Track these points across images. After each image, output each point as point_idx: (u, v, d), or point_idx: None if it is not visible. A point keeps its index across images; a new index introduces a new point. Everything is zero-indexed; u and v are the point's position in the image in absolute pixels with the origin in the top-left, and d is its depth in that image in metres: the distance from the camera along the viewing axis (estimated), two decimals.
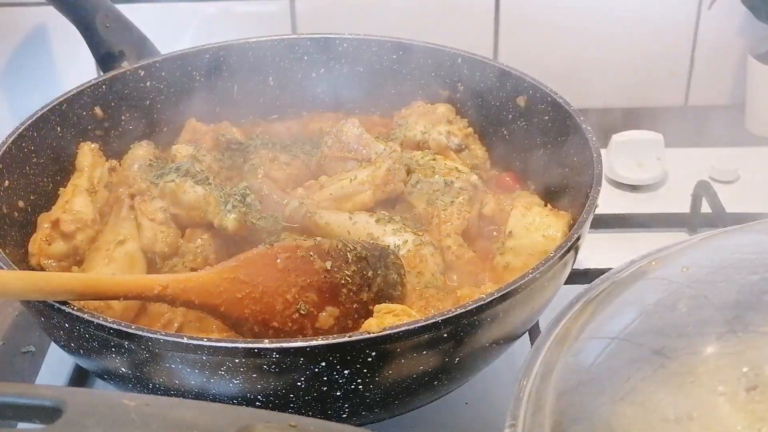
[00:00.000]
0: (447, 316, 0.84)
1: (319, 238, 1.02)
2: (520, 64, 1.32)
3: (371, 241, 1.07)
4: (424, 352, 0.86)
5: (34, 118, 1.17)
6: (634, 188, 1.55)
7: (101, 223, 1.14)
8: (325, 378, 0.84)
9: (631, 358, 0.71)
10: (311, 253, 0.97)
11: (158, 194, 1.13)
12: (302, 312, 0.94)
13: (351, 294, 0.98)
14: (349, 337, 0.82)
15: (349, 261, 0.99)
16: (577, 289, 0.85)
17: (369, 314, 0.96)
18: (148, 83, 1.34)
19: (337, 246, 0.99)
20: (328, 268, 0.97)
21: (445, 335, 0.85)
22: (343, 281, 0.98)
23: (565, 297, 0.84)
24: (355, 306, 0.98)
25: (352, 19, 1.73)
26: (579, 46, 1.77)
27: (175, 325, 1.02)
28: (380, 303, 0.97)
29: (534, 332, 1.07)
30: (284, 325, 0.94)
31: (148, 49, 1.38)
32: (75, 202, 1.13)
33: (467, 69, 1.35)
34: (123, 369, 0.89)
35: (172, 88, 1.36)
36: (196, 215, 1.10)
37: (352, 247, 1.00)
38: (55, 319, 0.89)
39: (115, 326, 0.84)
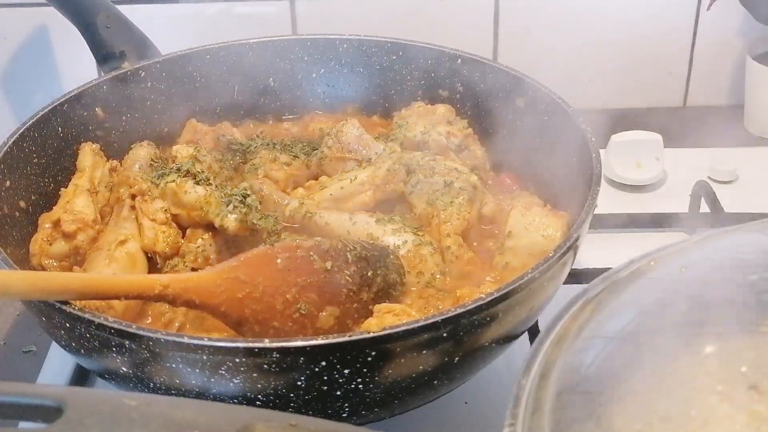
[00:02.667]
0: (447, 315, 0.85)
1: (319, 238, 1.02)
2: (520, 64, 1.32)
3: (371, 241, 1.08)
4: (424, 352, 0.87)
5: (35, 119, 1.18)
6: (633, 188, 1.55)
7: (102, 223, 1.14)
8: (325, 377, 0.84)
9: (630, 358, 0.71)
10: (311, 253, 0.97)
11: (159, 194, 1.13)
12: (302, 312, 0.95)
13: (351, 294, 0.98)
14: (349, 336, 0.83)
15: (349, 261, 0.99)
16: (576, 288, 0.84)
17: (369, 314, 0.96)
18: (149, 84, 1.34)
19: (337, 246, 0.99)
20: (328, 268, 0.97)
21: (445, 335, 0.86)
22: (343, 281, 0.98)
23: (564, 297, 0.84)
24: (355, 306, 0.98)
25: (352, 19, 1.73)
26: (578, 46, 1.77)
27: (176, 324, 1.02)
28: (380, 303, 0.97)
29: (533, 332, 1.07)
30: (284, 324, 0.94)
31: (149, 49, 1.38)
32: (76, 202, 1.13)
33: (467, 69, 1.35)
34: (124, 368, 0.89)
35: (173, 89, 1.36)
36: (197, 215, 1.11)
37: (352, 247, 1.00)
38: (56, 318, 0.90)
39: (116, 326, 0.84)
